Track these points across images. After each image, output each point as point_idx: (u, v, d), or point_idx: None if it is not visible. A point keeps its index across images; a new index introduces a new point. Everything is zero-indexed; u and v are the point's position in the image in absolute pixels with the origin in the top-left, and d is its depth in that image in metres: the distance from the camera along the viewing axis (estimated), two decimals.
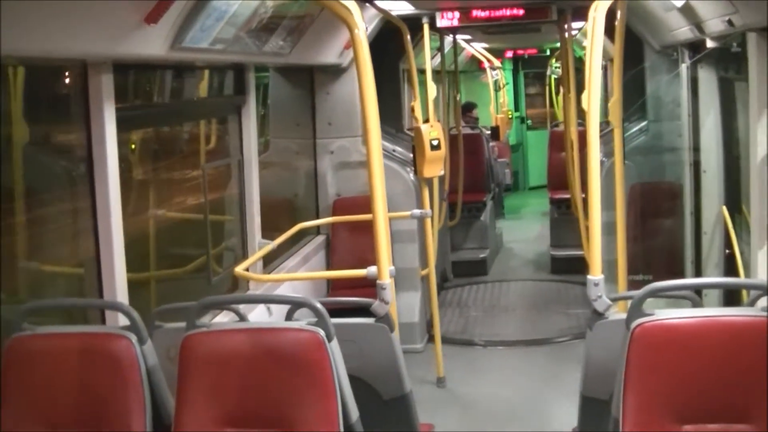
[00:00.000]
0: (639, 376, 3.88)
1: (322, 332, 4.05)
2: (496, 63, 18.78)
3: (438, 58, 14.15)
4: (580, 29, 13.11)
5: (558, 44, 19.19)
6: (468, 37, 14.94)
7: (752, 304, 4.21)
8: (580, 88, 17.53)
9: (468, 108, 16.53)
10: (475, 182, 12.99)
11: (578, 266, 12.11)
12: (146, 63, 5.46)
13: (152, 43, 4.61)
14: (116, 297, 4.86)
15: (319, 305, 4.17)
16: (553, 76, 21.25)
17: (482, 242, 13.29)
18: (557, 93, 20.94)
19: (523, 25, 10.52)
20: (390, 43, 9.63)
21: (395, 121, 11.15)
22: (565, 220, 12.93)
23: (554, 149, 14.22)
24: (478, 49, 17.55)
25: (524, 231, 16.01)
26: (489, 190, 14.08)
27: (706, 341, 3.86)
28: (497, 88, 19.61)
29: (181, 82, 6.64)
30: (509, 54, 21.36)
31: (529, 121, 22.64)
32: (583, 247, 11.97)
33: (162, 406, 4.24)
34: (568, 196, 12.51)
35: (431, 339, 9.00)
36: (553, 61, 20.44)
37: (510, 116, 19.93)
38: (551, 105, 21.29)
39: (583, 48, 16.41)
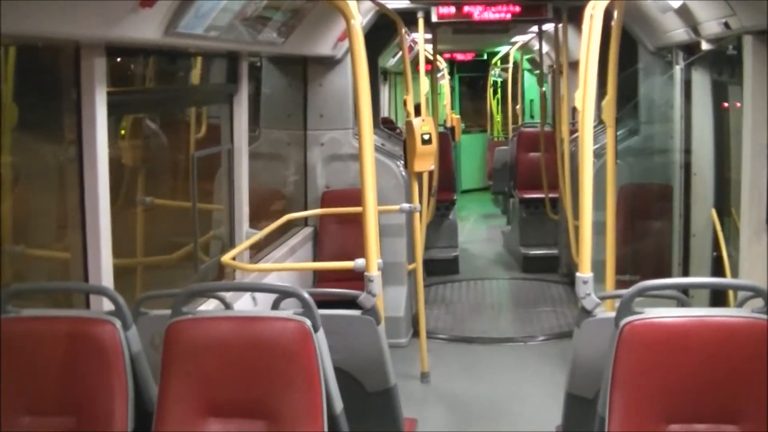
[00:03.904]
0: (627, 374, 3.86)
1: (308, 322, 4.02)
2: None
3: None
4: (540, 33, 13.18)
5: (498, 49, 19.55)
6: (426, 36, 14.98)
7: (741, 305, 4.21)
8: (515, 95, 17.72)
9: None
10: (445, 181, 12.95)
11: (550, 265, 12.28)
12: (139, 47, 5.42)
13: (147, 28, 4.57)
14: (101, 282, 4.82)
15: (306, 295, 4.15)
16: (498, 80, 21.43)
17: (452, 241, 13.30)
18: (494, 95, 21.14)
19: (498, 24, 10.52)
20: (369, 39, 9.67)
21: (373, 116, 11.15)
22: (535, 219, 13.11)
23: (523, 150, 14.24)
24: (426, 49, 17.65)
25: (472, 233, 16.08)
26: (455, 189, 14.07)
27: (696, 341, 3.85)
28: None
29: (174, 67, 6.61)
30: (446, 56, 21.50)
31: (462, 125, 22.70)
32: (557, 247, 12.13)
33: (145, 392, 4.21)
34: (538, 195, 12.69)
35: (416, 334, 8.99)
36: (496, 64, 20.65)
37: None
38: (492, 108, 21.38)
39: (532, 52, 16.77)
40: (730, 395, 3.82)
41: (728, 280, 6.15)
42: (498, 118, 21.51)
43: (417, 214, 8.21)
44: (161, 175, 7.00)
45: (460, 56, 21.83)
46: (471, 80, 23.31)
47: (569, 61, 10.35)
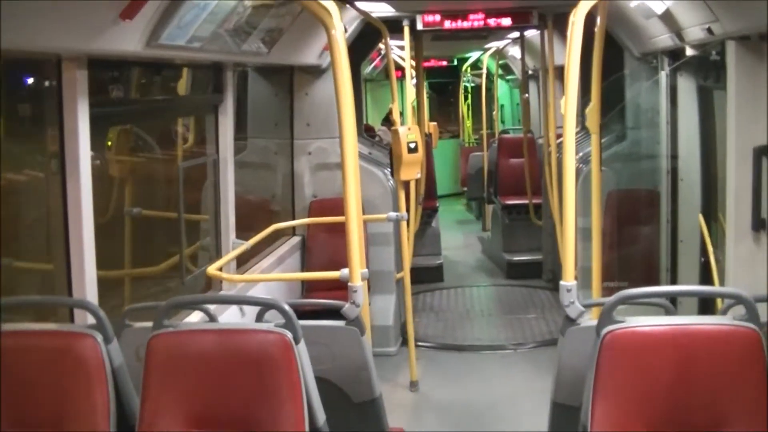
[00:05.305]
0: (608, 383, 3.85)
1: (289, 334, 4.01)
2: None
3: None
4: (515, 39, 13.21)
5: (468, 54, 19.59)
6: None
7: (725, 312, 4.20)
8: (490, 103, 17.78)
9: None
10: (426, 188, 12.90)
11: (534, 271, 12.26)
12: (122, 59, 5.40)
13: (128, 40, 4.56)
14: (86, 295, 4.80)
15: (286, 307, 4.13)
16: (469, 85, 21.43)
17: (435, 248, 13.26)
18: (465, 101, 21.17)
19: (481, 31, 10.51)
20: (353, 47, 9.70)
21: (357, 124, 11.13)
22: (518, 225, 13.12)
23: (504, 156, 14.22)
24: (401, 55, 17.64)
25: (450, 239, 15.83)
26: (437, 196, 14.05)
27: (677, 349, 3.84)
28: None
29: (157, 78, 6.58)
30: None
31: None
32: (540, 252, 12.13)
33: (127, 406, 4.18)
34: (521, 201, 12.74)
35: (404, 342, 8.97)
36: (466, 70, 20.67)
37: None
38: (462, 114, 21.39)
39: (504, 58, 16.76)
40: (712, 403, 3.81)
41: (711, 288, 6.14)
42: (468, 123, 21.51)
43: (404, 223, 8.20)
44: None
45: (431, 62, 21.77)
46: (440, 86, 23.26)
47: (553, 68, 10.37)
